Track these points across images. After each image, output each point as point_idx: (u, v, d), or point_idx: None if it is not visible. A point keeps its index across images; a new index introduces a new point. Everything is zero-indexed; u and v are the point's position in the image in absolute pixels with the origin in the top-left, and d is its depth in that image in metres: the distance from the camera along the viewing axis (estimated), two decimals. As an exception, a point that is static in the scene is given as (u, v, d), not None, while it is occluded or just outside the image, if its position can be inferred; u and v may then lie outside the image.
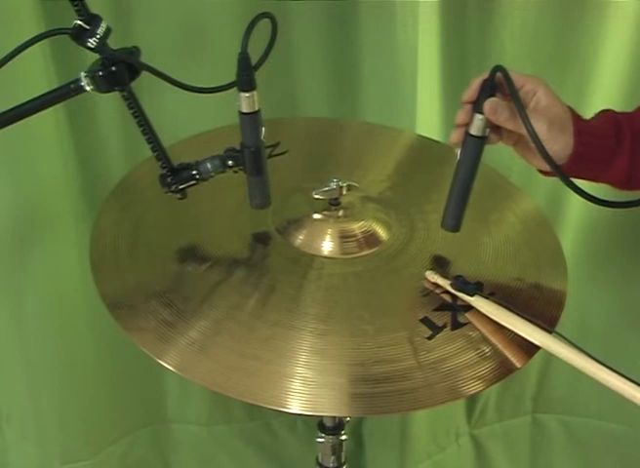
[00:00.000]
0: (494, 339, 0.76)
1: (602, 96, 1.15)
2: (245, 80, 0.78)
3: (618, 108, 0.82)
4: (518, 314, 0.75)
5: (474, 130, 0.78)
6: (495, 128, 0.78)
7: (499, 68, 0.74)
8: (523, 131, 0.73)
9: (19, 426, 1.33)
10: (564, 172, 0.73)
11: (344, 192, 0.88)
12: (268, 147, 0.89)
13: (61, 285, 1.19)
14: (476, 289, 0.78)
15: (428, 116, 1.18)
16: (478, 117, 0.77)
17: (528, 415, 1.54)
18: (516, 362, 0.74)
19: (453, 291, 0.79)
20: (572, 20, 1.10)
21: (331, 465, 1.01)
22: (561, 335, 0.73)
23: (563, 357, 0.70)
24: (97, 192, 1.15)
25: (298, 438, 1.50)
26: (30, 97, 0.75)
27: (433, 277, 0.81)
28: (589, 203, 0.73)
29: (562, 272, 0.86)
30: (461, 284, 0.78)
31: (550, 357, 1.53)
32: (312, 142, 1.06)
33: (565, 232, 1.28)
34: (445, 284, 0.79)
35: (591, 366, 0.68)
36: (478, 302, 0.77)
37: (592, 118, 0.81)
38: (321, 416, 0.97)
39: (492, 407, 1.52)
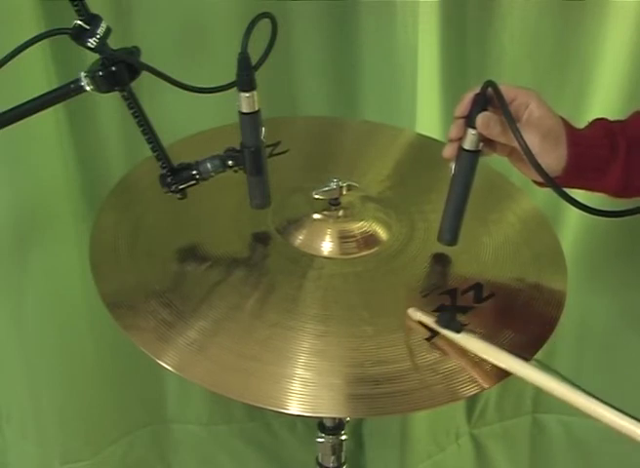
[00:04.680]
0: (493, 341, 0.75)
1: (602, 96, 1.15)
2: (245, 80, 0.78)
3: (618, 109, 0.82)
4: (509, 352, 0.72)
5: (468, 144, 0.78)
6: (488, 141, 0.78)
7: (490, 83, 0.75)
8: (516, 144, 0.73)
9: (19, 426, 1.33)
10: (558, 183, 0.73)
11: (344, 192, 0.88)
12: (269, 146, 0.89)
13: (61, 285, 1.19)
14: (461, 326, 0.74)
15: (428, 116, 1.18)
16: (471, 132, 0.77)
17: (528, 415, 1.54)
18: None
19: (438, 328, 0.74)
20: (572, 21, 1.10)
21: (331, 465, 1.01)
22: (555, 371, 0.69)
23: (557, 394, 0.67)
24: (97, 192, 1.14)
25: (298, 438, 1.50)
26: (30, 97, 0.75)
27: (416, 315, 0.76)
28: (588, 204, 0.73)
29: (562, 272, 0.86)
30: (447, 321, 0.74)
31: (551, 358, 1.53)
32: (312, 142, 1.06)
33: (565, 232, 1.28)
34: (429, 321, 0.75)
35: (588, 402, 0.66)
36: (465, 340, 0.73)
37: (585, 127, 0.81)
38: (321, 417, 0.97)
39: (492, 407, 1.52)
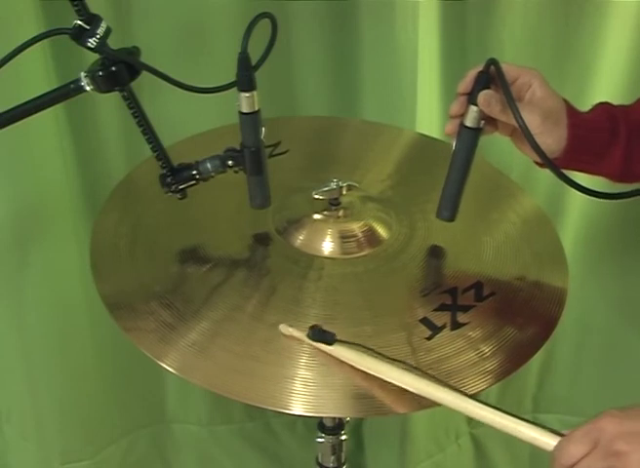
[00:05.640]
0: (493, 340, 0.76)
1: (602, 96, 1.14)
2: (245, 80, 0.78)
3: (617, 106, 0.82)
4: (384, 359, 0.71)
5: (469, 121, 0.78)
6: (490, 119, 0.78)
7: (492, 61, 0.75)
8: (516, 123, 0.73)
9: (19, 426, 1.33)
10: (558, 164, 0.73)
11: (344, 192, 0.88)
12: (268, 147, 0.89)
13: (61, 285, 1.19)
14: (333, 337, 0.72)
15: (428, 116, 1.18)
16: (473, 109, 0.77)
17: (528, 415, 1.54)
18: (515, 363, 0.74)
19: (310, 342, 0.73)
20: (572, 20, 1.10)
21: (331, 465, 1.01)
22: (434, 377, 0.69)
23: (435, 398, 0.67)
24: (97, 192, 1.15)
25: (298, 438, 1.50)
26: (30, 97, 0.75)
27: (287, 330, 0.74)
28: (590, 201, 0.73)
29: (563, 271, 0.86)
30: (318, 334, 0.72)
31: (550, 357, 1.53)
32: (313, 142, 1.06)
33: (566, 230, 1.28)
34: (301, 336, 0.73)
35: (469, 405, 0.66)
36: (339, 351, 0.72)
37: (588, 111, 0.81)
38: (322, 417, 0.97)
39: (492, 406, 1.52)
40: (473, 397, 0.66)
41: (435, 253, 0.87)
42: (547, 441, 0.63)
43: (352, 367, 0.71)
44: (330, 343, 0.72)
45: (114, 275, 0.81)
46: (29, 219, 1.13)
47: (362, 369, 0.70)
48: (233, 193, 0.88)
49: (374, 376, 0.70)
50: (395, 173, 1.00)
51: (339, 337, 0.72)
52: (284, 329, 0.74)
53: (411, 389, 0.68)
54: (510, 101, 0.72)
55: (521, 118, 0.71)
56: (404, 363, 0.70)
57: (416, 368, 0.70)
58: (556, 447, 0.62)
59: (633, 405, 0.62)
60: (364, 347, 0.72)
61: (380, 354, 0.71)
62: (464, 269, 0.85)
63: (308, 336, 0.73)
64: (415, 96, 1.14)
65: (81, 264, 1.17)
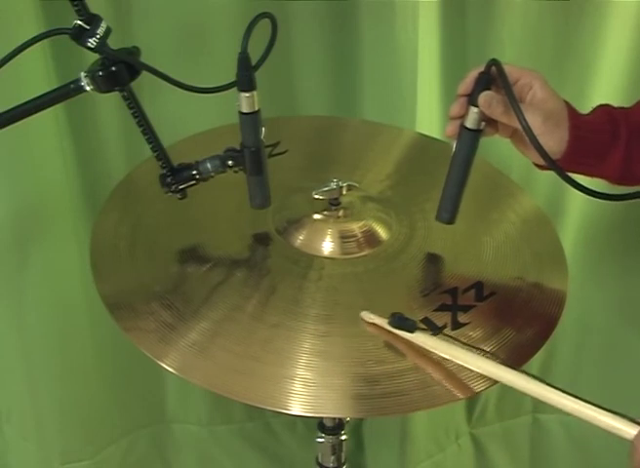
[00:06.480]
0: (493, 340, 0.76)
1: (602, 96, 1.15)
2: (245, 80, 0.78)
3: (617, 107, 0.82)
4: (465, 347, 0.73)
5: (469, 123, 0.78)
6: (490, 121, 0.78)
7: (494, 62, 0.74)
8: (518, 124, 0.73)
9: (19, 426, 1.33)
10: (558, 166, 0.73)
11: (344, 192, 0.88)
12: (268, 147, 0.89)
13: (61, 285, 1.19)
14: (414, 325, 0.73)
15: (428, 116, 1.18)
16: (473, 110, 0.77)
17: (528, 415, 1.54)
18: (515, 363, 0.74)
19: (391, 329, 0.74)
20: (572, 20, 1.10)
21: (331, 465, 1.01)
22: (511, 366, 0.71)
23: (516, 386, 0.69)
24: (97, 192, 1.15)
25: (298, 438, 1.50)
26: (30, 97, 0.75)
27: (369, 317, 0.76)
28: (590, 201, 0.73)
29: (563, 271, 0.86)
30: (399, 321, 0.74)
31: (550, 357, 1.53)
32: (312, 141, 1.06)
33: (566, 230, 1.28)
34: (383, 323, 0.75)
35: (550, 394, 0.68)
36: (419, 338, 0.73)
37: (589, 113, 0.81)
38: (321, 417, 0.97)
39: (492, 407, 1.52)
40: (553, 385, 0.68)
41: (434, 255, 0.87)
42: (627, 430, 0.63)
43: (430, 354, 0.72)
44: (411, 331, 0.73)
45: (114, 275, 0.81)
46: (29, 219, 1.13)
47: (444, 356, 0.72)
48: (233, 193, 0.88)
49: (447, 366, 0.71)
50: (395, 173, 1.00)
51: (420, 325, 0.73)
52: (365, 315, 0.76)
53: (493, 377, 0.70)
54: (513, 102, 0.72)
55: (524, 119, 0.71)
56: (485, 351, 0.72)
57: (496, 356, 0.72)
58: (637, 436, 0.62)
59: None
60: (445, 335, 0.74)
61: (461, 342, 0.73)
62: (464, 269, 0.85)
63: (390, 324, 0.74)
64: (415, 96, 1.14)
65: (81, 264, 1.17)
